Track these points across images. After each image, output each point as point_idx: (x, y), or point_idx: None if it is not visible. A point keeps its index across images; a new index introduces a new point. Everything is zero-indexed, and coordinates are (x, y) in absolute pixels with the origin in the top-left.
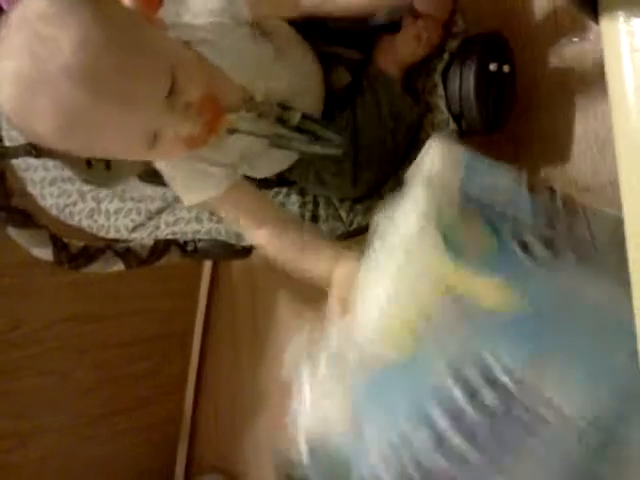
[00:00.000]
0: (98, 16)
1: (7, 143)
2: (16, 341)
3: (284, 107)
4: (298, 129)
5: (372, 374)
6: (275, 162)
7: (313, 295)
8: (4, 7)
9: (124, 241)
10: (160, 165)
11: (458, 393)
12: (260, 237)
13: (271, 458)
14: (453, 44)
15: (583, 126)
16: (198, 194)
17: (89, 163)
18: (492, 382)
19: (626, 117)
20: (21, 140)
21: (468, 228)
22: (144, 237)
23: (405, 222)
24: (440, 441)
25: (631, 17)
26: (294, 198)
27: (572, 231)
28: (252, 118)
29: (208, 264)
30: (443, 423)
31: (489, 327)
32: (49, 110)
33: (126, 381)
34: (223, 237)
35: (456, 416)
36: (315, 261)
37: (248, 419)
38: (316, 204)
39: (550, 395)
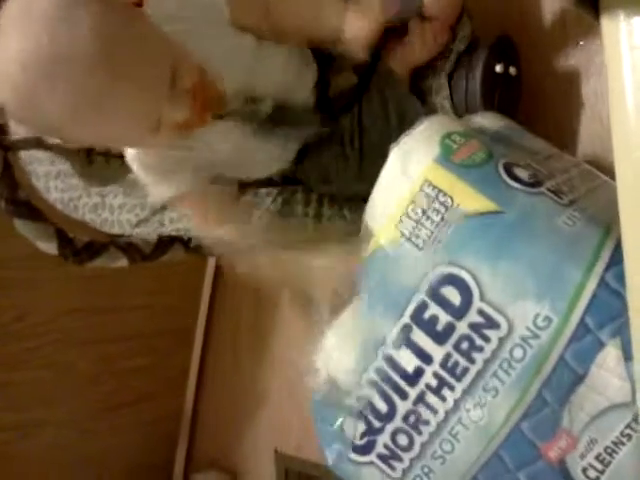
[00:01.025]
0: (107, 9)
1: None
2: (19, 333)
3: (254, 100)
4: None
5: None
6: (271, 159)
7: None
8: None
9: (127, 236)
10: (131, 163)
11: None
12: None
13: (271, 456)
14: (460, 46)
15: (588, 129)
16: (163, 192)
17: (90, 159)
18: (455, 281)
19: (624, 115)
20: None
21: (465, 141)
22: (149, 233)
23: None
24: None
25: (631, 15)
26: (299, 196)
27: (559, 175)
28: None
29: (212, 260)
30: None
31: (461, 228)
32: (67, 92)
33: (127, 375)
34: None
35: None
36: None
37: (249, 416)
38: (320, 203)
39: (502, 301)
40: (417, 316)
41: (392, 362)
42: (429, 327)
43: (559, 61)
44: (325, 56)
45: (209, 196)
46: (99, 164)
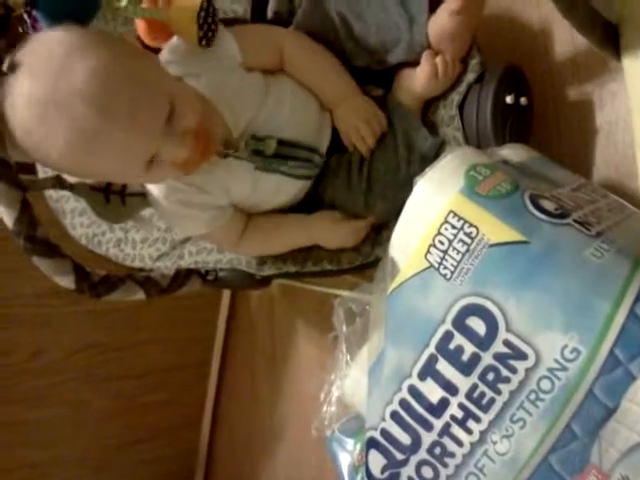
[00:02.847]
0: (111, 52)
1: (41, 175)
2: (35, 370)
3: (258, 139)
4: (279, 156)
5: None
6: (281, 194)
7: (331, 325)
8: None
9: (147, 270)
10: (152, 203)
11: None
12: (247, 247)
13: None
14: (470, 77)
15: (604, 157)
16: (182, 231)
17: (107, 199)
18: (481, 312)
19: None
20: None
21: (490, 172)
22: (168, 266)
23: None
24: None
25: None
26: None
27: (586, 207)
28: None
29: (227, 294)
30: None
31: (487, 258)
32: (62, 129)
33: (143, 411)
34: (243, 267)
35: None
36: (293, 240)
37: (265, 452)
38: None
39: (529, 331)
40: (442, 346)
41: (416, 393)
42: (454, 358)
43: (571, 90)
44: None
45: (235, 225)
46: (115, 203)
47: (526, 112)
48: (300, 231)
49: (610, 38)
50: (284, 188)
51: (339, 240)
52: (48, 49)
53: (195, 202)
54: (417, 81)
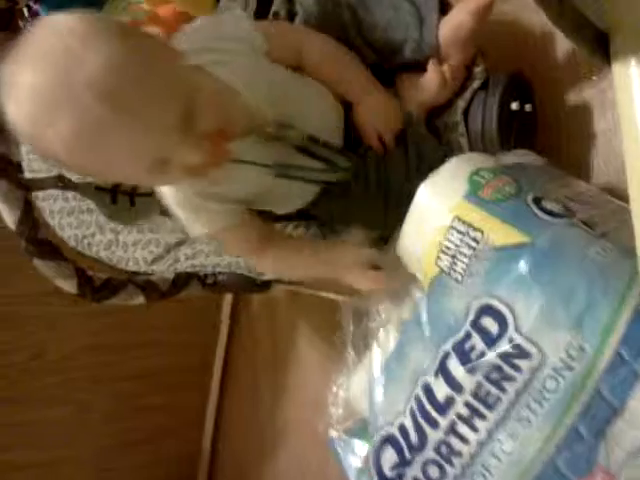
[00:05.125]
0: (125, 43)
1: (28, 175)
2: (36, 371)
3: (287, 126)
4: (306, 152)
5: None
6: (293, 197)
7: (334, 329)
8: None
9: (144, 273)
10: (166, 201)
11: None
12: (263, 264)
13: None
14: (475, 83)
15: (606, 163)
16: (200, 228)
17: (114, 200)
18: (492, 312)
19: (638, 154)
20: (44, 172)
21: (494, 176)
22: (164, 270)
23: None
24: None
25: None
26: (314, 231)
27: (590, 209)
28: (259, 145)
29: (229, 297)
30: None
31: (493, 260)
32: (69, 122)
33: (145, 413)
34: (243, 270)
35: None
36: (316, 272)
37: (267, 455)
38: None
39: (534, 331)
40: (459, 346)
41: (428, 390)
42: (465, 356)
43: (574, 96)
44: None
45: (245, 227)
46: (123, 204)
47: (531, 118)
48: (325, 268)
49: (600, 45)
50: (298, 193)
51: (364, 285)
52: (58, 37)
53: (211, 193)
54: (426, 90)
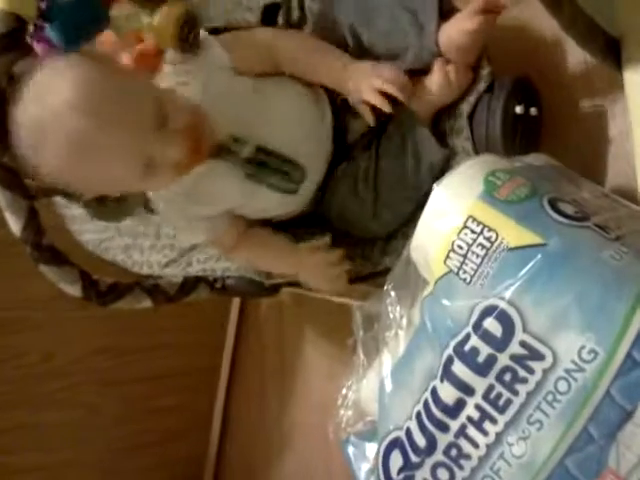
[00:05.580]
0: (96, 67)
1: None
2: (46, 374)
3: (235, 139)
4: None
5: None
6: (279, 206)
7: (340, 332)
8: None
9: (155, 277)
10: (157, 207)
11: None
12: (238, 257)
13: None
14: (479, 87)
15: (615, 168)
16: (187, 238)
17: (102, 202)
18: (497, 313)
19: None
20: None
21: (509, 178)
22: (176, 274)
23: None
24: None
25: None
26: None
27: (606, 213)
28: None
29: (236, 300)
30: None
31: (505, 261)
32: (55, 140)
33: (152, 416)
34: (252, 275)
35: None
36: (283, 268)
37: (273, 459)
38: (346, 245)
39: (546, 332)
40: (459, 348)
41: (435, 395)
42: (469, 359)
43: (582, 100)
44: (343, 100)
45: (231, 233)
46: (111, 205)
47: (536, 122)
48: (290, 265)
49: (612, 51)
50: (273, 202)
51: (322, 285)
52: (39, 74)
53: (191, 213)
54: (429, 89)
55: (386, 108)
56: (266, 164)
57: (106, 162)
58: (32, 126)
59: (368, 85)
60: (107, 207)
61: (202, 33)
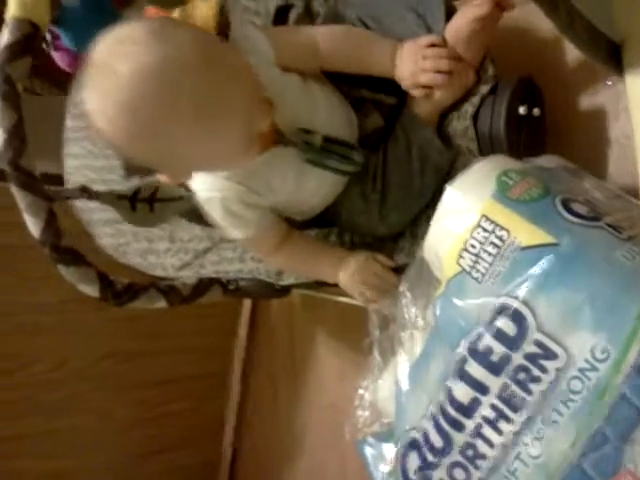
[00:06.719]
0: (198, 35)
1: (69, 186)
2: (59, 380)
3: (306, 131)
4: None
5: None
6: (317, 195)
7: (352, 334)
8: (61, 65)
9: (170, 279)
10: (201, 201)
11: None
12: (275, 261)
13: None
14: (483, 88)
15: (618, 169)
16: (236, 233)
17: (134, 207)
18: (511, 312)
19: None
20: (70, 183)
21: (522, 178)
22: (190, 276)
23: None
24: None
25: None
26: (333, 238)
27: (618, 213)
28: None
29: (247, 303)
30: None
31: (517, 260)
32: (187, 98)
33: (165, 421)
34: (263, 277)
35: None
36: (320, 271)
37: (287, 461)
38: (353, 244)
39: (559, 331)
40: (472, 348)
41: (450, 394)
42: (483, 358)
43: (586, 100)
44: (353, 99)
45: (274, 233)
46: (142, 210)
47: (539, 123)
48: (332, 270)
49: (613, 56)
50: (323, 187)
51: (355, 295)
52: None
53: (248, 201)
54: (432, 90)
55: (440, 81)
56: (331, 151)
57: (228, 124)
58: (145, 82)
59: (421, 68)
60: (137, 215)
61: (248, 27)
